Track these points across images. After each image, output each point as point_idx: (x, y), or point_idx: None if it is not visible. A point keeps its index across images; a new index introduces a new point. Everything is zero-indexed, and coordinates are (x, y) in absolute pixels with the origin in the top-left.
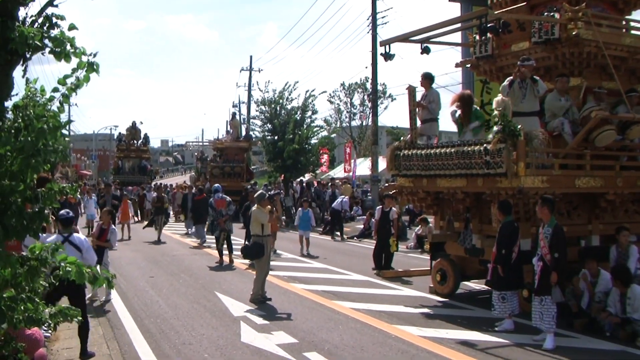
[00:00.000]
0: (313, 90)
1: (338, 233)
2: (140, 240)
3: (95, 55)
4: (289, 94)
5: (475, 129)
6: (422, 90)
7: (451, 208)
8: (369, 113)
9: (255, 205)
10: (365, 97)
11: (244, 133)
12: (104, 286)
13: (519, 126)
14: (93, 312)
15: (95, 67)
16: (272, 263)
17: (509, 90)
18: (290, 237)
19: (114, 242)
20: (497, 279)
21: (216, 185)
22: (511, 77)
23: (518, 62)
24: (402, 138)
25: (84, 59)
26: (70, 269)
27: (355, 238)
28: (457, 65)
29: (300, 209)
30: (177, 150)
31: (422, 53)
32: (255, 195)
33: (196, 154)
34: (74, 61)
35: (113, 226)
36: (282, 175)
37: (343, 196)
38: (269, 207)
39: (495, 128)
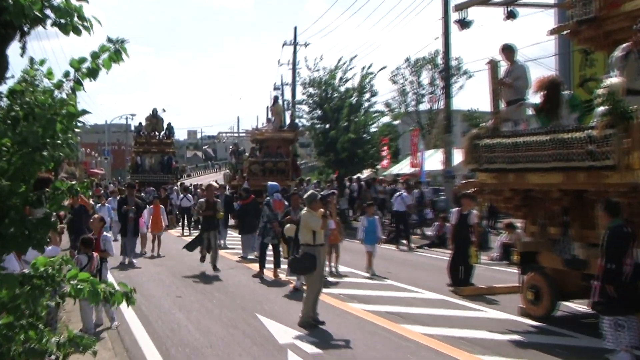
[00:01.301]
0: (370, 67)
1: (404, 241)
2: (164, 251)
3: (123, 42)
4: (343, 73)
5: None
6: (507, 65)
7: (545, 210)
8: (440, 94)
9: (305, 208)
10: (436, 74)
11: (288, 121)
12: (111, 307)
13: (634, 107)
14: (107, 339)
15: (121, 53)
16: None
17: (624, 62)
18: (345, 245)
19: (111, 249)
20: (607, 300)
21: (272, 183)
22: (627, 45)
23: (634, 27)
24: (481, 124)
25: (110, 45)
26: (82, 287)
27: (425, 247)
28: (550, 33)
29: (363, 216)
30: (208, 143)
31: (506, 18)
32: (305, 195)
33: (230, 147)
34: (85, 35)
35: (105, 234)
36: (337, 172)
37: (402, 191)
38: (322, 210)
39: (600, 109)
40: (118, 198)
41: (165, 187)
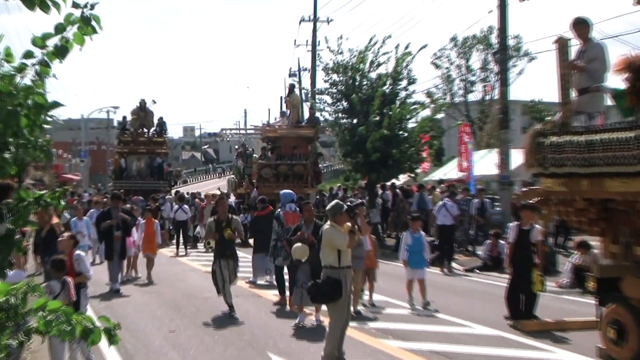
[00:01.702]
0: (408, 48)
1: (454, 265)
2: (155, 274)
3: (93, 7)
4: (374, 56)
5: None
6: (580, 43)
7: (629, 225)
8: (495, 81)
9: (328, 222)
10: (489, 57)
11: (306, 115)
12: (88, 346)
13: None
14: None
15: (93, 23)
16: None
17: None
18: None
19: (88, 270)
20: None
21: (286, 191)
22: None
23: None
24: (547, 118)
25: (75, 11)
26: (52, 320)
27: (476, 270)
28: (637, 2)
29: (406, 232)
30: (208, 143)
31: None
32: (329, 206)
33: (236, 147)
34: (54, 12)
35: (77, 252)
36: (367, 177)
37: (446, 200)
38: (349, 224)
39: None
40: (100, 211)
41: (156, 196)
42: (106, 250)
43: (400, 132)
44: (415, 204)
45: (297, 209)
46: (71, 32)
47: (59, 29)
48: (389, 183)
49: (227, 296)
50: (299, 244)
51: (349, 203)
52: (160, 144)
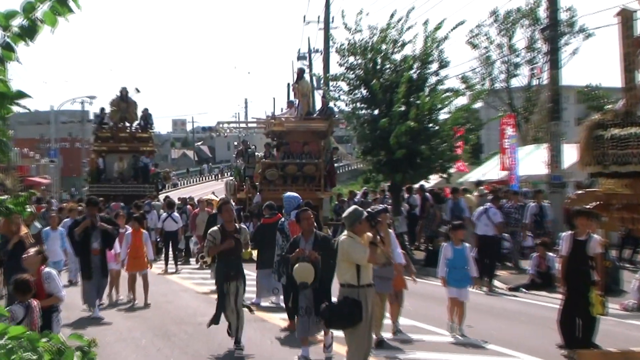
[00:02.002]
0: (441, 25)
1: (496, 282)
2: (140, 295)
3: None
4: (399, 34)
5: None
6: None
7: None
8: (544, 63)
9: (345, 232)
10: (537, 34)
11: (319, 105)
12: None
13: None
14: None
15: (71, 2)
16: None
17: None
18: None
19: (59, 290)
20: None
21: (291, 195)
22: None
23: None
24: (607, 107)
25: None
26: (12, 348)
27: (522, 289)
28: None
29: (446, 244)
30: (202, 139)
31: None
32: (346, 214)
33: (235, 144)
34: None
35: (47, 269)
36: (391, 179)
37: (488, 205)
38: (370, 234)
39: None
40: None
41: (140, 203)
42: (82, 266)
43: (430, 125)
44: (449, 211)
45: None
46: (41, 10)
47: (27, 9)
48: (416, 185)
49: (238, 330)
50: (301, 264)
51: (370, 210)
52: (145, 140)
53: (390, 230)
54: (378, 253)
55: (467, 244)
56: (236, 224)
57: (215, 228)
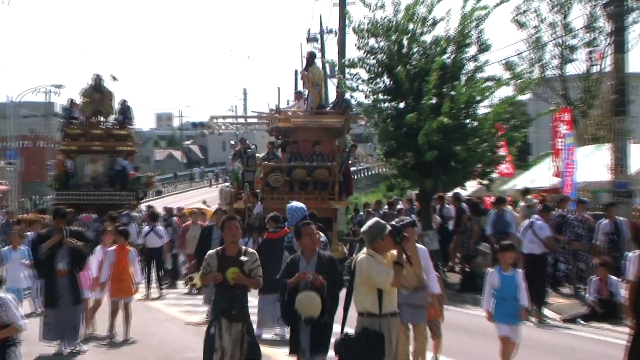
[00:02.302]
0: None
1: (547, 312)
2: (118, 326)
3: None
4: (428, 11)
5: None
6: None
7: None
8: (607, 46)
9: (365, 249)
10: (598, 10)
11: (333, 97)
12: None
13: None
14: None
15: None
16: None
17: None
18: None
19: (17, 318)
20: None
21: (295, 205)
22: None
23: None
24: None
25: None
26: None
27: (580, 321)
28: None
29: (493, 269)
30: (192, 137)
31: None
32: (365, 227)
33: (232, 143)
34: None
35: (2, 295)
36: (420, 186)
37: (534, 218)
38: (394, 252)
39: None
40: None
41: (116, 214)
42: (46, 292)
43: (467, 121)
44: (490, 225)
45: (317, 232)
46: None
47: None
48: (450, 194)
49: None
50: (305, 293)
51: (394, 223)
52: (123, 138)
53: (422, 247)
54: (404, 275)
55: (519, 270)
56: (242, 247)
57: (212, 252)
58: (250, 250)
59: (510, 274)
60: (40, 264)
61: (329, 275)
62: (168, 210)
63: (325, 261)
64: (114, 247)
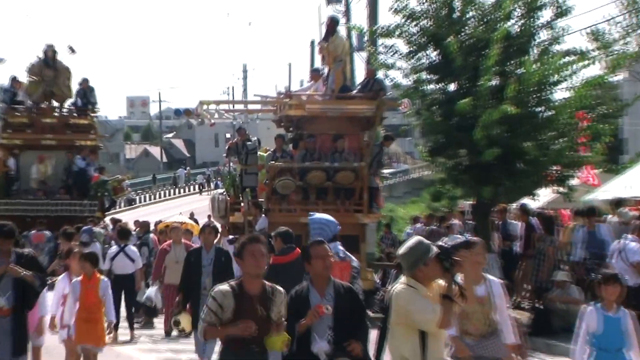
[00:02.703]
0: None
1: None
2: None
3: None
4: None
5: None
6: None
7: None
8: None
9: (404, 277)
10: None
11: (361, 77)
12: None
13: None
14: None
15: None
16: None
17: None
18: None
19: None
20: None
21: (322, 218)
22: None
23: None
24: None
25: None
26: None
27: None
28: None
29: (591, 307)
30: (175, 128)
31: None
32: (403, 250)
33: (227, 136)
34: None
35: None
36: (476, 194)
37: (628, 239)
38: (443, 282)
39: None
40: None
41: (72, 230)
42: None
43: (540, 110)
44: (579, 246)
45: (346, 253)
46: None
47: None
48: (515, 205)
49: None
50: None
51: (442, 244)
52: (83, 129)
53: (495, 280)
54: (452, 310)
55: (626, 310)
56: (267, 283)
57: (226, 287)
58: (279, 289)
59: (616, 315)
60: None
61: (350, 314)
62: (142, 225)
63: (344, 292)
64: (79, 278)
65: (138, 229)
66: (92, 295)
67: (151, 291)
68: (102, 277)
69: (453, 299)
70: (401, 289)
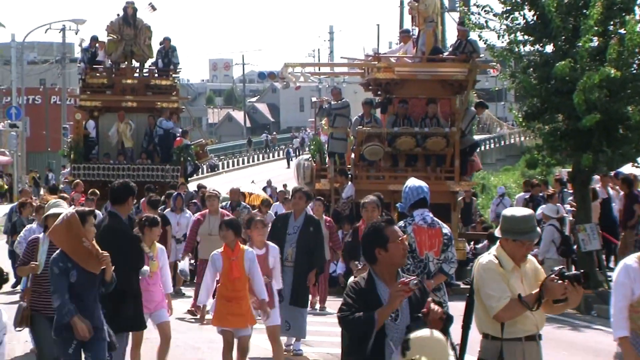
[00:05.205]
0: None
1: None
2: None
3: None
4: None
5: None
6: None
7: None
8: None
9: (494, 248)
10: None
11: (452, 39)
12: None
13: None
14: None
15: None
16: None
17: None
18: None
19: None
20: None
21: (414, 184)
22: None
23: None
24: None
25: None
26: None
27: None
28: None
29: None
30: (259, 92)
31: None
32: (511, 212)
33: (313, 99)
34: None
35: None
36: (574, 162)
37: None
38: (532, 256)
39: None
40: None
41: (156, 197)
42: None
43: None
44: None
45: (434, 219)
46: None
47: None
48: (613, 173)
49: None
50: (424, 337)
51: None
52: (165, 91)
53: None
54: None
55: None
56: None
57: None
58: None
59: None
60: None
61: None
62: (234, 193)
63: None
64: (219, 250)
65: (231, 197)
66: (236, 269)
67: (184, 264)
68: (247, 247)
69: (530, 307)
70: (484, 262)
